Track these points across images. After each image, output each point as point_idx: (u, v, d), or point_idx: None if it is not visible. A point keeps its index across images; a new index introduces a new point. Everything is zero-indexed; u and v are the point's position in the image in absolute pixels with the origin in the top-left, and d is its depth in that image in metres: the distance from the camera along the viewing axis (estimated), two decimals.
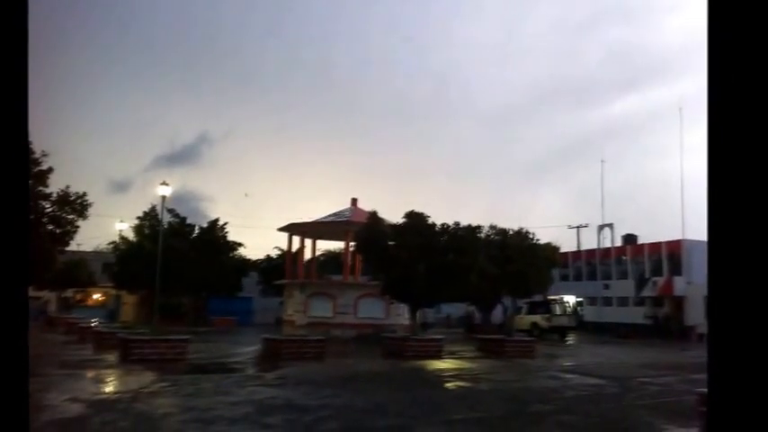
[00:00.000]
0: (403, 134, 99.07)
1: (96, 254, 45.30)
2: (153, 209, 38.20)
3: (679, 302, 38.00)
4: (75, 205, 22.20)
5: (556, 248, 33.92)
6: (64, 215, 22.13)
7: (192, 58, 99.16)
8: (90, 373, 13.15)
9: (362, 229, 25.45)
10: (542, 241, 32.63)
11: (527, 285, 30.73)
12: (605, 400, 10.84)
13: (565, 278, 44.75)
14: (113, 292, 44.67)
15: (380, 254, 24.25)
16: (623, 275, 42.63)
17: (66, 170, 50.42)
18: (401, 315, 30.08)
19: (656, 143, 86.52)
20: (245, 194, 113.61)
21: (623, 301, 41.90)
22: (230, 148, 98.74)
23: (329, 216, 34.03)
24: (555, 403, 10.33)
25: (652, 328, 37.07)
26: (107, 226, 57.57)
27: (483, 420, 8.69)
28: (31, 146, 18.39)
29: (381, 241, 24.23)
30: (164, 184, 26.67)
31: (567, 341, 31.49)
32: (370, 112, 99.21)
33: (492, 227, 30.72)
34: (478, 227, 26.82)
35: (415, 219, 24.17)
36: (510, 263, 28.98)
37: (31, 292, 35.98)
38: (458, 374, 14.51)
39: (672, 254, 39.55)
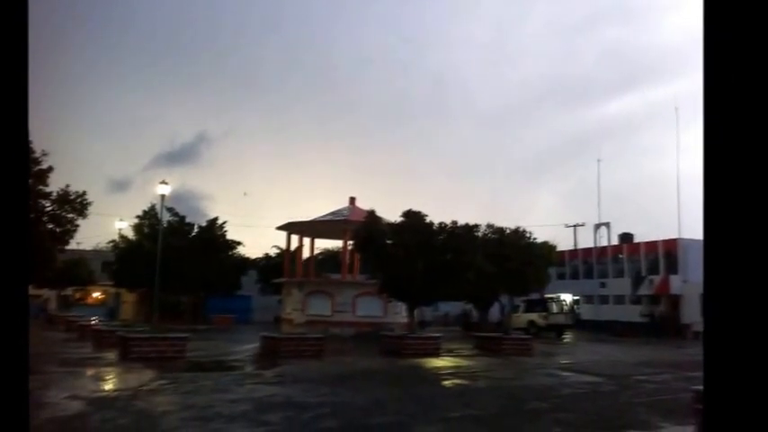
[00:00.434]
0: (401, 134, 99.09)
1: (96, 252, 45.34)
2: (152, 208, 38.25)
3: (675, 301, 38.11)
4: (75, 204, 22.20)
5: (553, 247, 34.00)
6: (64, 214, 22.14)
7: (192, 58, 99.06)
8: (90, 371, 13.16)
9: (360, 227, 25.46)
10: (539, 240, 32.74)
11: (524, 284, 30.80)
12: (602, 398, 10.88)
13: (562, 276, 44.81)
14: (113, 290, 44.81)
15: (378, 252, 24.27)
16: (620, 274, 42.74)
17: (66, 169, 50.32)
18: (399, 313, 30.11)
19: (652, 142, 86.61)
20: (244, 193, 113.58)
21: (620, 300, 42.02)
22: (229, 148, 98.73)
23: (327, 215, 34.05)
24: (552, 401, 10.36)
25: (648, 327, 37.15)
26: (107, 225, 57.57)
27: (480, 418, 8.71)
28: (31, 145, 18.38)
29: (379, 240, 24.24)
30: (163, 183, 26.73)
31: (563, 339, 31.55)
32: (368, 111, 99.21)
33: (489, 225, 30.77)
34: (476, 226, 26.85)
35: (412, 218, 24.19)
36: (507, 261, 29.02)
37: (32, 291, 36.02)
38: (455, 372, 14.54)
39: (668, 252, 39.66)
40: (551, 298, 36.12)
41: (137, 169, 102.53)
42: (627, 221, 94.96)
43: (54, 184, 21.68)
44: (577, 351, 24.30)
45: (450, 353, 19.32)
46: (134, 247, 37.65)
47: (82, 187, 23.02)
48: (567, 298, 41.91)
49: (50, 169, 20.91)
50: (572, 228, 50.13)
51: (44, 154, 20.38)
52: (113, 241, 40.02)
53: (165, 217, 35.82)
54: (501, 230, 31.16)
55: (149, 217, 38.54)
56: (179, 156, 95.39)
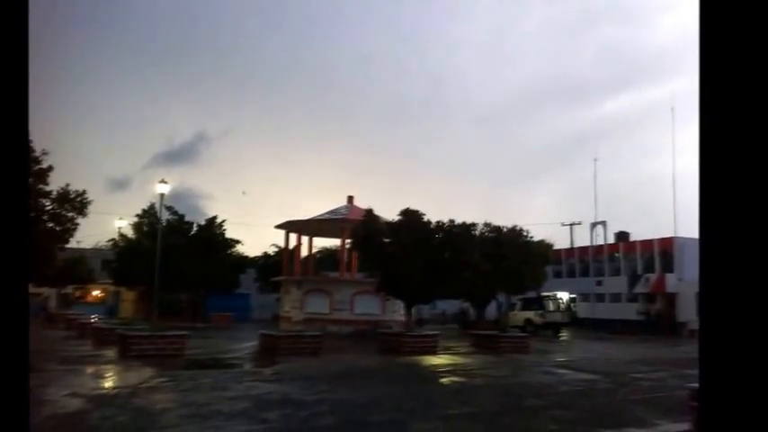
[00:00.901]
0: (399, 133, 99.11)
1: (96, 251, 45.37)
2: (152, 206, 38.25)
3: (671, 299, 38.20)
4: (75, 203, 22.20)
5: (549, 245, 34.05)
6: (64, 213, 22.14)
7: (191, 57, 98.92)
8: (89, 369, 13.16)
9: (359, 226, 25.48)
10: (536, 238, 32.80)
11: (521, 282, 30.88)
12: (598, 396, 10.90)
13: (558, 275, 44.89)
14: (113, 288, 44.96)
15: (376, 251, 24.29)
16: (616, 272, 42.83)
17: (66, 168, 50.41)
18: (397, 311, 30.16)
19: (649, 142, 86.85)
20: (243, 192, 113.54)
21: (616, 298, 42.12)
22: (228, 147, 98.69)
23: (326, 214, 34.07)
24: (548, 398, 10.38)
25: (644, 325, 37.26)
26: (106, 223, 57.40)
27: (478, 415, 8.73)
28: (31, 144, 18.37)
29: (377, 238, 24.27)
30: (162, 182, 26.76)
31: (560, 337, 31.60)
32: (367, 110, 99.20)
33: (486, 224, 30.84)
34: (473, 224, 26.91)
35: (410, 216, 24.22)
36: (504, 260, 29.08)
37: (32, 289, 36.07)
38: (453, 370, 14.56)
39: (664, 251, 39.75)
40: (548, 296, 36.21)
41: (136, 168, 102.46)
42: (623, 220, 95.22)
43: (54, 183, 21.71)
44: (574, 349, 24.34)
45: (447, 350, 19.34)
46: (133, 245, 37.65)
47: (82, 186, 23.08)
48: (564, 296, 42.04)
49: (50, 168, 20.91)
50: (568, 226, 50.21)
51: (44, 153, 20.38)
52: (113, 240, 40.03)
53: (165, 216, 35.88)
54: (498, 229, 31.20)
55: (149, 216, 38.52)
56: (178, 155, 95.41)
